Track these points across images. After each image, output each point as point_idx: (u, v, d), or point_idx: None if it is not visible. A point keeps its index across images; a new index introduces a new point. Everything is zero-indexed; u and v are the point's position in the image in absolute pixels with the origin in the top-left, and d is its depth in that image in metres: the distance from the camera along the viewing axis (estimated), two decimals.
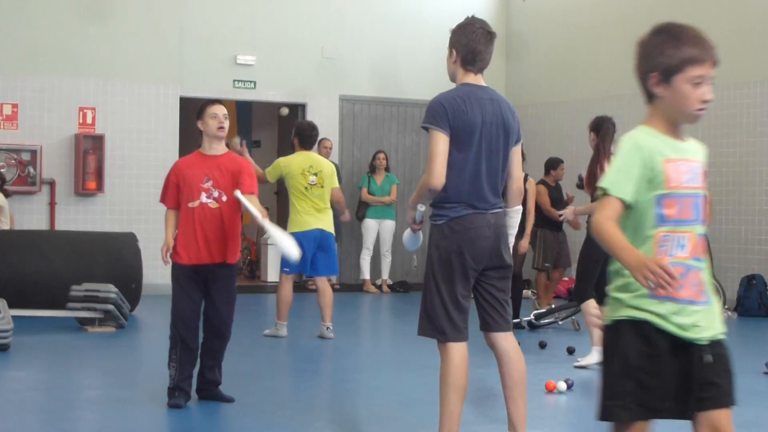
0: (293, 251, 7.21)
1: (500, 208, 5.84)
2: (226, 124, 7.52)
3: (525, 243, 12.18)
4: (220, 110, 7.51)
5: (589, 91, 17.04)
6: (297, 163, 11.20)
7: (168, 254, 7.42)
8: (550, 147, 17.31)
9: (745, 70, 14.92)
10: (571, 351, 10.19)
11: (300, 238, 10.81)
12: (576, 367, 9.36)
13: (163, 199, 7.62)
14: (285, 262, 10.89)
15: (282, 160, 11.35)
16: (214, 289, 7.48)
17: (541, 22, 18.27)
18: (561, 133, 17.28)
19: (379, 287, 16.92)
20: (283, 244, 7.22)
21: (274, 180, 11.24)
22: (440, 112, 5.68)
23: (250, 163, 7.77)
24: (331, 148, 16.84)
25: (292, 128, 17.51)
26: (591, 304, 9.41)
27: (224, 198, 7.40)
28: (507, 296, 5.91)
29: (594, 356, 9.40)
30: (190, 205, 7.39)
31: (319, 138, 16.87)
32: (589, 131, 9.54)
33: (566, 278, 16.52)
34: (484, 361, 5.95)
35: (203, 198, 7.38)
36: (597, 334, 9.39)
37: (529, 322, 12.07)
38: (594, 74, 17.10)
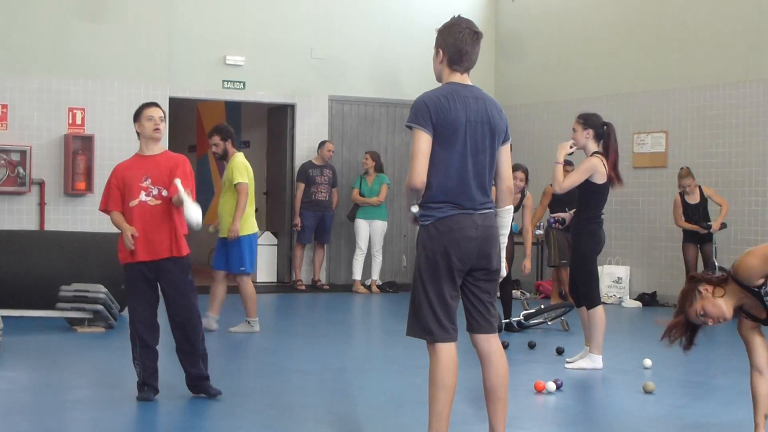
0: (195, 219, 7.38)
1: (489, 208, 5.83)
2: (162, 126, 7.74)
3: (527, 264, 12.14)
4: (156, 112, 7.72)
5: (578, 91, 17.07)
6: (248, 165, 11.43)
7: (131, 238, 7.48)
8: (538, 147, 17.36)
9: (732, 71, 14.97)
10: (560, 351, 10.20)
11: (254, 239, 11.33)
12: (567, 367, 9.35)
13: (104, 206, 7.71)
14: (241, 262, 11.17)
15: (245, 162, 11.41)
16: (165, 284, 7.66)
17: (530, 23, 18.30)
18: (550, 133, 17.30)
19: (369, 287, 16.93)
20: (191, 212, 7.36)
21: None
22: (423, 111, 5.68)
23: (186, 160, 7.91)
24: (333, 151, 16.92)
25: (282, 130, 17.64)
26: (599, 311, 9.37)
27: (164, 193, 7.59)
28: (492, 298, 5.90)
29: (588, 361, 9.39)
30: (131, 204, 7.58)
31: (321, 140, 17.04)
32: (582, 126, 9.32)
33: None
34: (476, 361, 5.95)
35: (142, 196, 7.56)
36: (595, 341, 9.38)
37: (518, 322, 12.08)
38: (583, 74, 17.13)
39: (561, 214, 10.37)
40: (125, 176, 7.63)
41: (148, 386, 7.62)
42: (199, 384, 7.74)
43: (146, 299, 7.68)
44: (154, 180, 7.59)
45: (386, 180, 17.05)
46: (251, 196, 11.23)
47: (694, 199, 14.43)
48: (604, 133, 9.34)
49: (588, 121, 9.36)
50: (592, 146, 9.30)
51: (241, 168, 11.21)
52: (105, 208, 7.72)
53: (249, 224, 11.24)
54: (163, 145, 7.93)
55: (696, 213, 14.44)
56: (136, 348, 7.64)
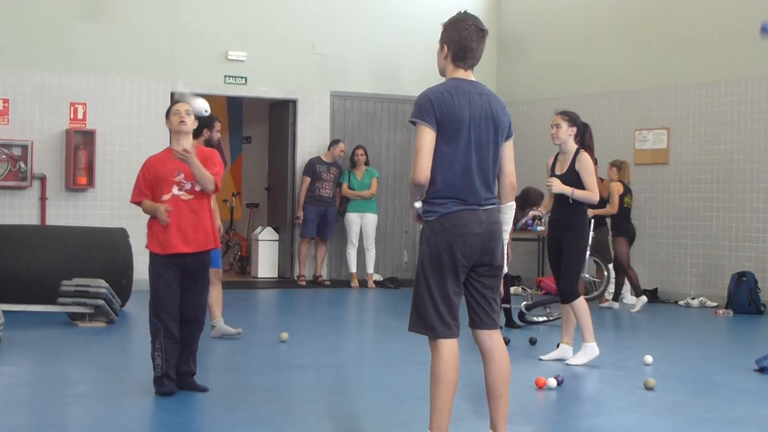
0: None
1: (493, 204, 5.83)
2: (188, 118, 7.84)
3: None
4: (182, 107, 7.88)
5: (580, 88, 17.06)
6: None
7: (165, 213, 7.60)
8: (540, 144, 17.35)
9: (734, 67, 14.97)
10: None
11: None
12: (569, 364, 9.35)
13: (136, 197, 7.82)
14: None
15: None
16: (190, 277, 7.74)
17: (532, 20, 18.29)
18: (551, 130, 17.28)
19: (365, 282, 16.95)
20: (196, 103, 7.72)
21: None
22: (426, 107, 5.68)
23: (216, 152, 8.02)
24: (344, 152, 16.97)
25: (283, 125, 17.64)
26: (581, 302, 9.42)
27: (197, 188, 7.72)
28: (495, 294, 5.89)
29: (585, 354, 9.40)
30: (164, 197, 7.69)
31: (332, 139, 17.07)
32: (569, 123, 9.47)
33: None
34: (477, 357, 5.95)
35: (175, 190, 7.69)
36: (587, 330, 9.41)
37: (520, 313, 12.09)
38: (585, 71, 17.12)
39: (533, 212, 10.26)
40: (157, 170, 7.74)
41: (168, 378, 7.63)
42: (186, 379, 7.81)
43: (173, 289, 7.69)
44: (187, 175, 7.70)
45: (376, 173, 17.11)
46: None
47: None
48: (582, 132, 9.59)
49: (574, 119, 9.60)
50: (572, 143, 9.49)
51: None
52: (135, 200, 7.81)
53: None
54: (166, 140, 7.97)
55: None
56: (159, 339, 7.62)
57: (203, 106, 7.55)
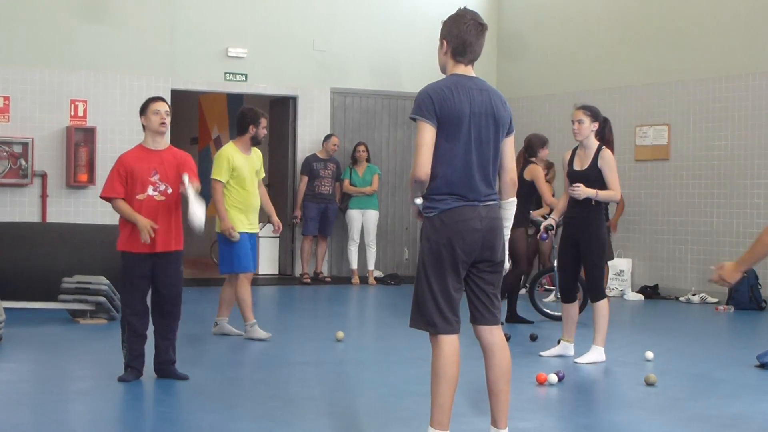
0: (199, 220, 7.65)
1: (494, 200, 5.83)
2: (168, 120, 8.01)
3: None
4: (163, 107, 8.00)
5: (581, 84, 17.06)
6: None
7: (151, 231, 7.74)
8: None
9: (736, 62, 14.95)
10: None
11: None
12: (576, 362, 9.32)
13: (110, 192, 7.89)
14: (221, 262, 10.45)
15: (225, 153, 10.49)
16: (159, 273, 7.93)
17: (532, 16, 18.29)
18: (551, 126, 17.30)
19: (366, 279, 16.96)
20: (196, 213, 7.62)
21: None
22: (427, 103, 5.68)
23: (191, 157, 8.13)
24: (338, 146, 16.96)
25: (283, 122, 17.63)
26: (605, 304, 9.37)
27: (169, 191, 7.91)
28: (495, 290, 5.89)
29: (593, 354, 9.38)
30: (139, 197, 7.87)
31: (326, 134, 17.08)
32: (591, 119, 9.26)
33: None
34: (477, 353, 5.96)
35: (150, 191, 7.88)
36: (602, 334, 9.38)
37: (535, 277, 12.78)
38: (585, 67, 17.12)
39: (545, 223, 10.05)
40: (134, 168, 7.85)
41: (131, 368, 7.97)
42: (167, 368, 8.07)
43: (139, 288, 7.99)
44: (162, 176, 7.88)
45: (377, 170, 17.11)
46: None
47: None
48: (602, 127, 9.48)
49: (596, 114, 9.38)
50: (593, 139, 9.33)
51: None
52: (109, 195, 7.89)
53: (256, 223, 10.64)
54: (166, 137, 8.09)
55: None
56: (125, 332, 7.96)
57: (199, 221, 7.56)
